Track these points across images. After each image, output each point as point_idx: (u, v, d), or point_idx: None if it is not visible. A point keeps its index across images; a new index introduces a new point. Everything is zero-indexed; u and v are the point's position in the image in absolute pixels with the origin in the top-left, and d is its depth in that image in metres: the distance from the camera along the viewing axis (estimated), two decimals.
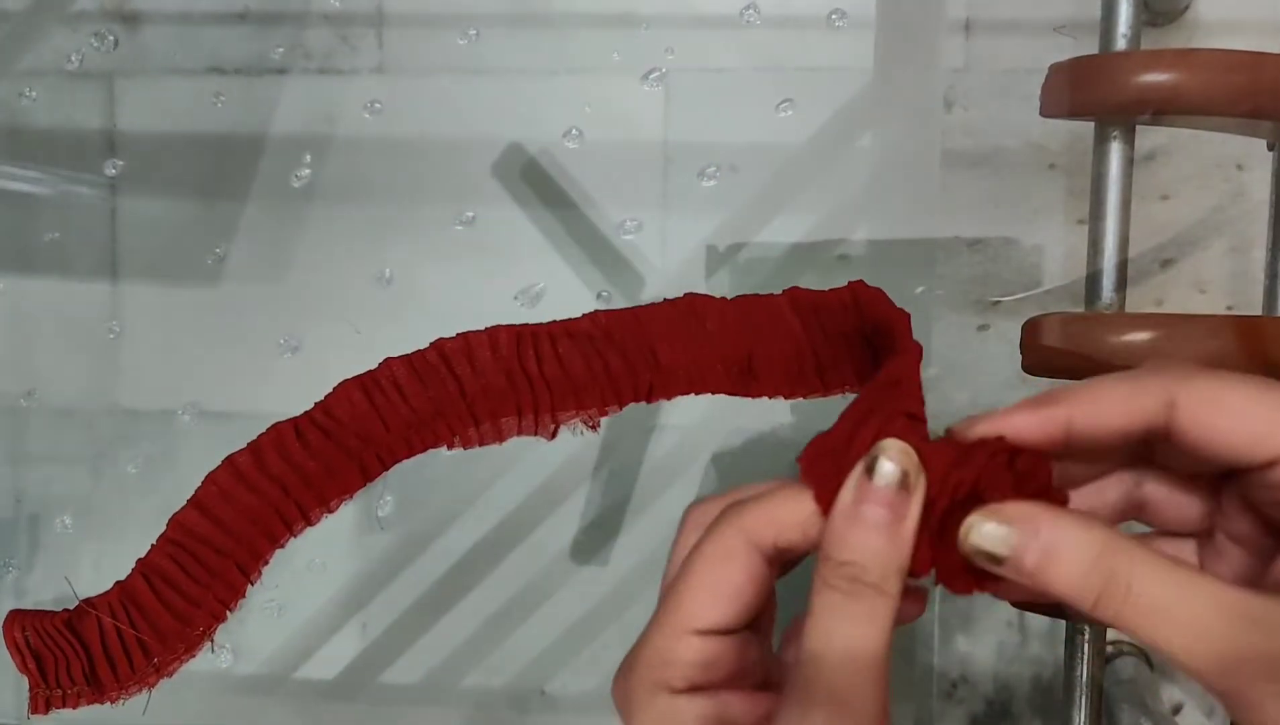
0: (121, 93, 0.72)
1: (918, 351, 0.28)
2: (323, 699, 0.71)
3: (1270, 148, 0.48)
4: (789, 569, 0.27)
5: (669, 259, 0.68)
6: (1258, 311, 0.47)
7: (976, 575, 0.25)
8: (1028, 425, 0.25)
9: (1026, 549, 0.24)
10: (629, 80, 0.68)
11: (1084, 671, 0.42)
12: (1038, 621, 0.69)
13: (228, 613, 0.34)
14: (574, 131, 0.67)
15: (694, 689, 0.26)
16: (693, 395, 0.34)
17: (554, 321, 0.34)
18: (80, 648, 0.34)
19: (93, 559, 0.68)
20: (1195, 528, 0.28)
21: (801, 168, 0.67)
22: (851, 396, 0.29)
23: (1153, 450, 0.27)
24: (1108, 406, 0.25)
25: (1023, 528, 0.24)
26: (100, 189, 0.72)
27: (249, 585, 0.33)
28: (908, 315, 0.31)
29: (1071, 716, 0.43)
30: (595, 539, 0.69)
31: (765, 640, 0.28)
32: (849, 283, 0.33)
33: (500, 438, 0.34)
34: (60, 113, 0.72)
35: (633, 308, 0.34)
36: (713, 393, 0.34)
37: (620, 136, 0.68)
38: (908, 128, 0.67)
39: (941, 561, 0.25)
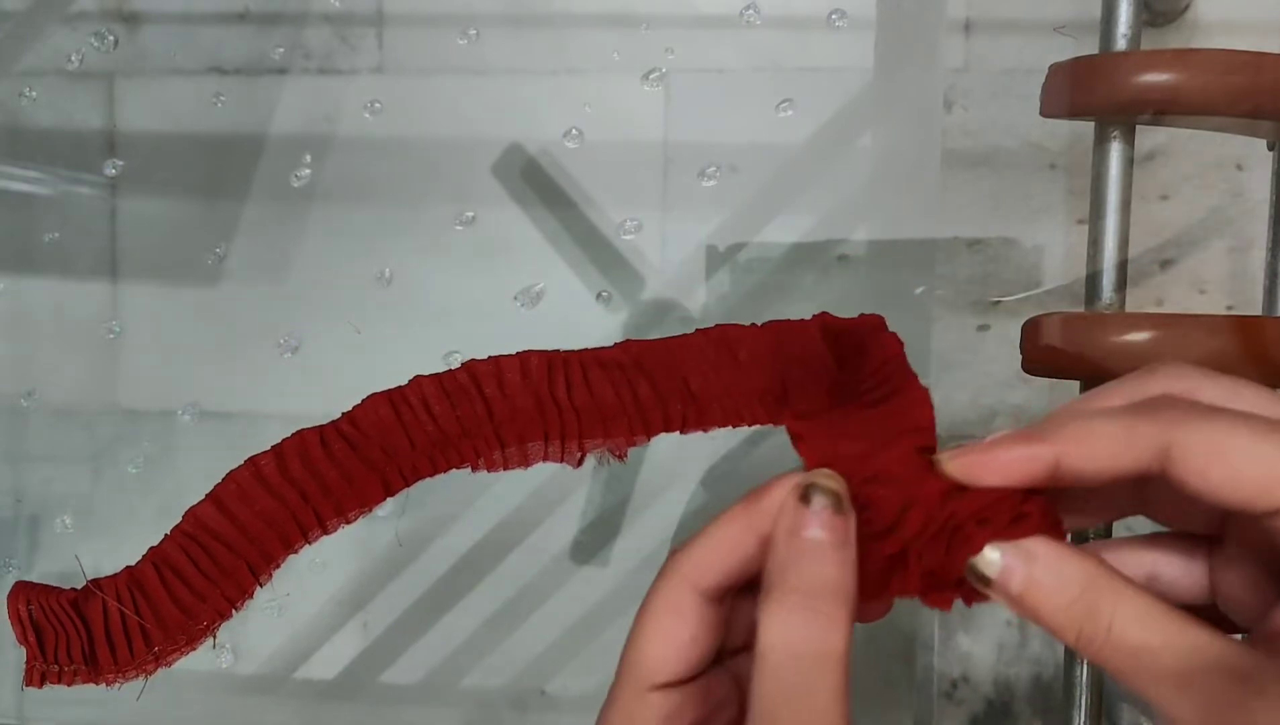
0: (121, 93, 0.72)
1: (927, 397, 0.28)
2: (323, 699, 0.71)
3: (1270, 148, 0.48)
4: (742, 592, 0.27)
5: (669, 259, 0.68)
6: (1258, 311, 0.47)
7: (958, 592, 0.25)
8: (1012, 463, 0.25)
9: (1013, 574, 0.24)
10: (629, 80, 0.68)
11: (1084, 671, 0.42)
12: None
13: (234, 611, 0.34)
14: (574, 131, 0.67)
15: None
16: (730, 427, 0.34)
17: (585, 349, 0.34)
18: (82, 627, 0.34)
19: (93, 559, 0.68)
20: (1196, 591, 0.27)
21: (801, 168, 0.67)
22: None
23: (1144, 488, 0.27)
24: (1098, 449, 0.24)
25: (1013, 553, 0.24)
26: (100, 189, 0.72)
27: (258, 587, 0.34)
28: (902, 346, 0.31)
29: (1071, 716, 0.43)
30: (595, 539, 0.69)
31: (734, 668, 0.28)
32: (863, 315, 0.33)
33: (526, 462, 0.33)
34: (60, 113, 0.72)
35: (665, 338, 0.34)
36: (749, 424, 0.34)
37: (620, 136, 0.68)
38: (908, 128, 0.67)
39: (919, 578, 0.25)
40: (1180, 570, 0.27)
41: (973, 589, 0.25)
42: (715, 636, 0.26)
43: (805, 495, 0.25)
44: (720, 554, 0.26)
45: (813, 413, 0.30)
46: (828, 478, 0.25)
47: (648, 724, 0.26)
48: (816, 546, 0.24)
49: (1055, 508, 0.25)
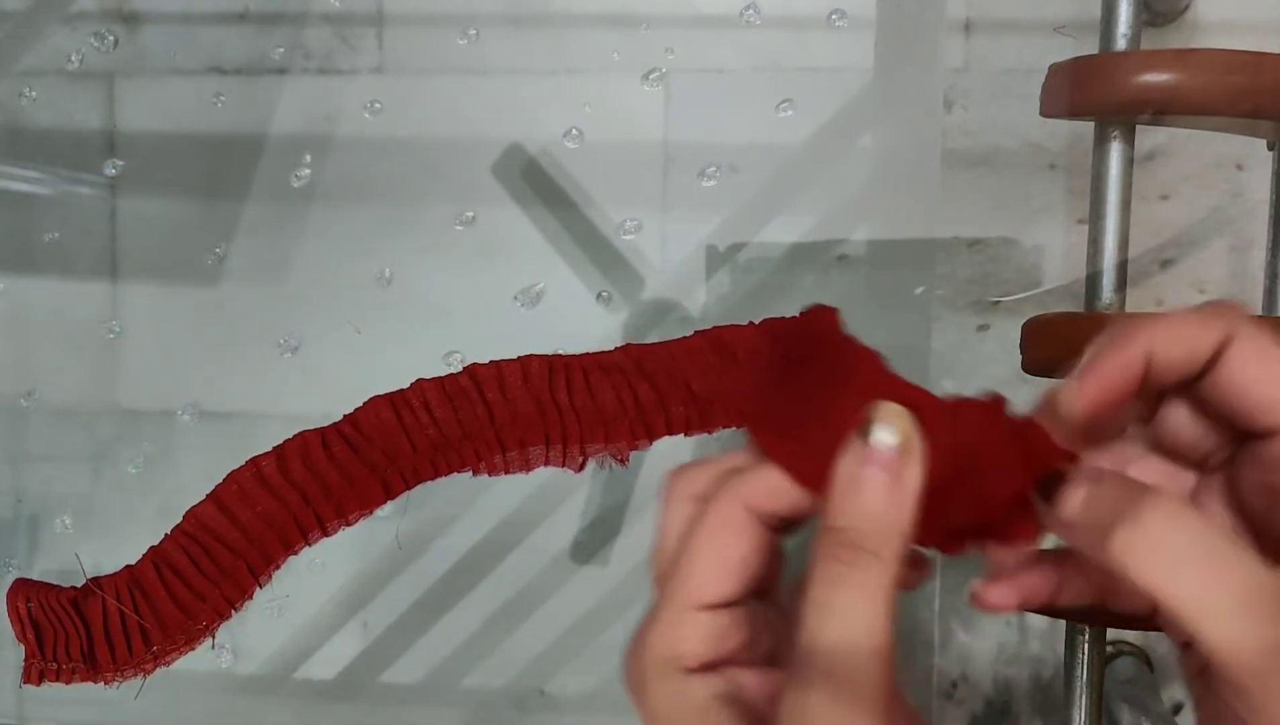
0: (121, 93, 0.72)
1: (874, 356, 0.28)
2: (323, 699, 0.71)
3: (1270, 148, 0.48)
4: (791, 532, 0.28)
5: (669, 259, 0.68)
6: (1258, 311, 0.48)
7: (967, 539, 0.26)
8: (1117, 371, 0.25)
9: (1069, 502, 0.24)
10: (629, 80, 0.68)
11: (1084, 671, 0.42)
12: (1038, 621, 0.69)
13: (233, 611, 0.34)
14: (574, 131, 0.67)
15: (706, 667, 0.26)
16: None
17: (586, 353, 0.34)
18: (81, 626, 0.34)
19: (92, 559, 0.68)
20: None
21: (801, 168, 0.67)
22: None
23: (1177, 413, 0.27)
24: (1181, 334, 0.25)
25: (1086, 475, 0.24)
26: (100, 189, 0.72)
27: (257, 588, 0.34)
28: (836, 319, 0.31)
29: (1071, 716, 0.43)
30: (595, 539, 0.69)
31: (772, 604, 0.28)
32: (813, 308, 0.33)
33: (527, 467, 0.33)
34: (60, 113, 0.72)
35: (666, 341, 0.34)
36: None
37: (620, 136, 0.68)
38: (908, 128, 0.67)
39: (934, 526, 0.25)
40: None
41: (975, 538, 0.25)
42: (768, 560, 0.26)
43: (867, 432, 0.25)
44: (781, 482, 0.26)
45: (764, 411, 0.30)
46: (893, 415, 0.25)
47: (692, 643, 0.26)
48: (870, 484, 0.24)
49: (1051, 436, 0.26)
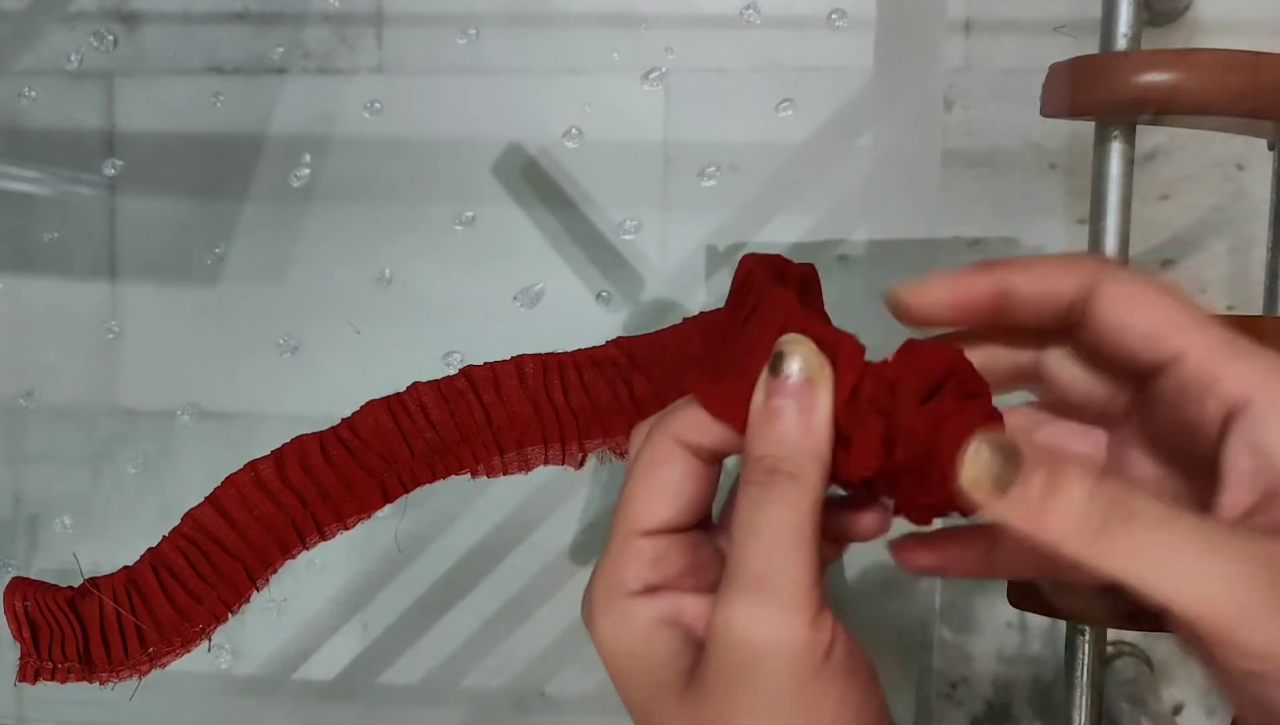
0: (120, 92, 0.72)
1: (788, 295, 0.28)
2: (323, 699, 0.71)
3: (1270, 148, 0.48)
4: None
5: (669, 259, 0.68)
6: (1258, 311, 0.48)
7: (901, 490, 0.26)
8: (961, 285, 0.26)
9: (1030, 480, 0.22)
10: (629, 80, 0.68)
11: (1084, 671, 0.42)
12: (1038, 621, 0.69)
13: (229, 614, 0.34)
14: (574, 131, 0.67)
15: (649, 590, 0.27)
16: None
17: (579, 350, 0.34)
18: (78, 626, 0.34)
19: (91, 560, 0.68)
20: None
21: (801, 168, 0.67)
22: None
23: (1045, 363, 0.28)
24: (1043, 272, 0.26)
25: (1029, 460, 0.23)
26: (99, 189, 0.72)
27: (254, 591, 0.34)
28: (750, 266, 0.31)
29: (1071, 716, 0.43)
30: (595, 539, 0.69)
31: (720, 539, 0.30)
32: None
33: (526, 467, 0.34)
34: (59, 112, 0.72)
35: (656, 331, 0.34)
36: None
37: (620, 136, 0.68)
38: (908, 128, 0.67)
39: (867, 464, 0.26)
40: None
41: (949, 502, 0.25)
42: (703, 489, 0.28)
43: (774, 367, 0.26)
44: (705, 418, 0.27)
45: (698, 358, 0.30)
46: (797, 345, 0.26)
47: (634, 567, 0.27)
48: (781, 414, 0.25)
49: (989, 388, 0.26)
